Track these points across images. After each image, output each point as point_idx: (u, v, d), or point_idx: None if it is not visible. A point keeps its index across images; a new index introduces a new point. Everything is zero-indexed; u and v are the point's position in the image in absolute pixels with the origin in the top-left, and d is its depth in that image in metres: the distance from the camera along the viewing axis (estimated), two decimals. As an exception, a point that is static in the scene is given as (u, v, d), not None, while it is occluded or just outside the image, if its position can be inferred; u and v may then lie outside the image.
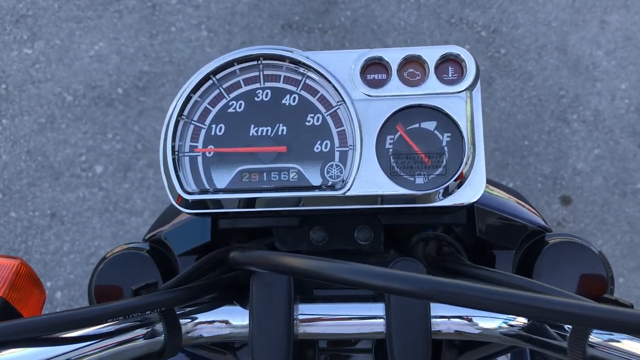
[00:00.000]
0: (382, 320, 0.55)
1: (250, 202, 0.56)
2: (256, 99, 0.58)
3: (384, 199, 0.55)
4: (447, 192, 0.55)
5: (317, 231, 0.63)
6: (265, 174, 0.57)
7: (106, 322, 0.50)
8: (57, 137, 2.19)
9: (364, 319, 0.55)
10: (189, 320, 0.55)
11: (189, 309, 0.56)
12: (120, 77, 2.32)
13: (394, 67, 0.55)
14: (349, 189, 0.54)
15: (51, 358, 0.47)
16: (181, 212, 0.73)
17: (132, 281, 0.65)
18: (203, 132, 0.58)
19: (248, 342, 0.54)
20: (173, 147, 0.56)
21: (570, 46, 2.55)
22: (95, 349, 0.50)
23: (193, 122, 0.58)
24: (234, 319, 0.56)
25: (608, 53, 2.54)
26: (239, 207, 0.56)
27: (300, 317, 0.54)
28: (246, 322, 0.55)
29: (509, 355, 0.76)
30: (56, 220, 2.05)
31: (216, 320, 0.55)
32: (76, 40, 2.38)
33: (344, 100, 0.55)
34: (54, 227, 2.05)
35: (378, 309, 0.55)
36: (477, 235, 0.62)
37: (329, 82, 0.56)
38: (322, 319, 0.55)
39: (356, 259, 0.63)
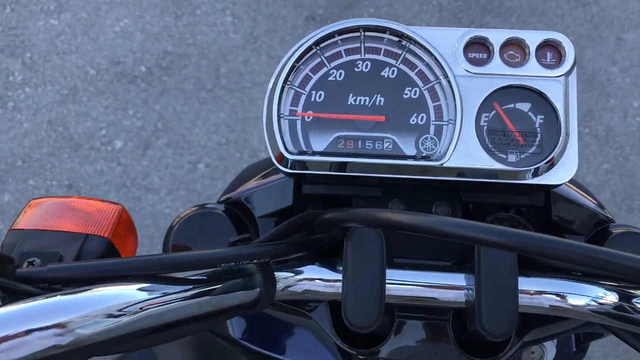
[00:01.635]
0: (464, 290, 0.57)
1: (342, 166, 0.58)
2: (356, 69, 0.60)
3: (477, 172, 0.57)
4: (537, 172, 0.57)
5: (396, 203, 0.65)
6: (360, 141, 0.59)
7: (218, 266, 0.51)
8: (79, 109, 2.19)
9: (450, 288, 0.57)
10: (284, 274, 0.57)
11: (281, 265, 0.58)
12: (144, 55, 2.33)
13: (497, 48, 0.58)
14: (447, 161, 0.56)
15: (163, 296, 0.49)
16: (260, 174, 0.75)
17: (210, 241, 0.67)
18: (303, 97, 0.60)
19: (341, 301, 0.56)
20: (278, 110, 0.58)
21: (586, 60, 2.59)
22: (199, 293, 0.52)
23: (294, 87, 0.60)
24: (325, 278, 0.58)
25: (623, 70, 2.59)
26: (330, 171, 0.58)
27: (389, 281, 0.56)
28: (336, 282, 0.57)
29: (554, 341, 0.79)
30: (73, 191, 2.06)
31: (308, 279, 0.57)
32: (102, 15, 2.38)
33: (446, 75, 0.58)
34: (70, 198, 2.05)
35: (465, 279, 0.57)
36: (552, 218, 0.65)
37: (432, 56, 0.58)
38: (410, 284, 0.58)
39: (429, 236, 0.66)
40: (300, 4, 2.56)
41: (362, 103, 0.59)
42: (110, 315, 0.46)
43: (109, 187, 2.08)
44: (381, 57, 0.60)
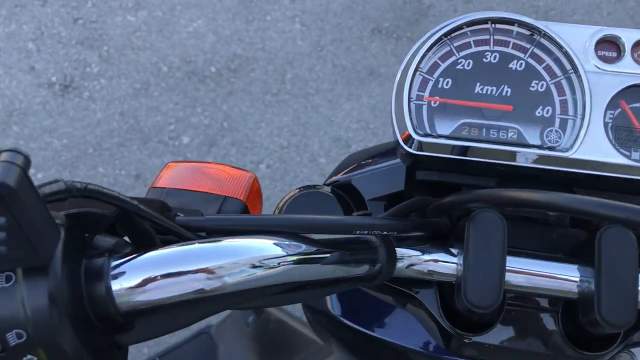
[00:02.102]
0: (577, 282, 0.58)
1: (464, 151, 0.60)
2: (484, 60, 0.62)
3: (601, 166, 0.58)
4: None
5: None
6: (484, 129, 0.61)
7: (354, 233, 0.54)
8: (150, 103, 2.26)
9: (565, 279, 0.58)
10: (407, 252, 0.59)
11: (398, 242, 0.60)
12: (214, 57, 2.39)
13: (628, 47, 0.59)
14: (573, 152, 0.58)
15: (301, 255, 0.51)
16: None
17: None
18: (430, 83, 0.62)
19: (456, 282, 0.57)
20: (409, 93, 0.61)
21: None
22: (331, 258, 0.54)
23: (422, 73, 0.62)
24: (442, 259, 0.59)
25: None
26: (451, 154, 0.60)
27: (507, 267, 0.57)
28: (451, 264, 0.59)
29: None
30: (140, 181, 2.12)
31: (433, 259, 0.59)
32: (177, 14, 2.46)
33: (576, 70, 0.59)
34: (137, 188, 2.11)
35: (579, 270, 0.58)
36: None
37: (562, 51, 0.60)
38: (525, 272, 0.59)
39: (539, 229, 0.67)
40: (367, 16, 2.60)
41: (488, 92, 0.61)
42: (253, 266, 0.48)
43: (174, 180, 2.14)
44: (509, 50, 0.62)
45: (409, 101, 0.61)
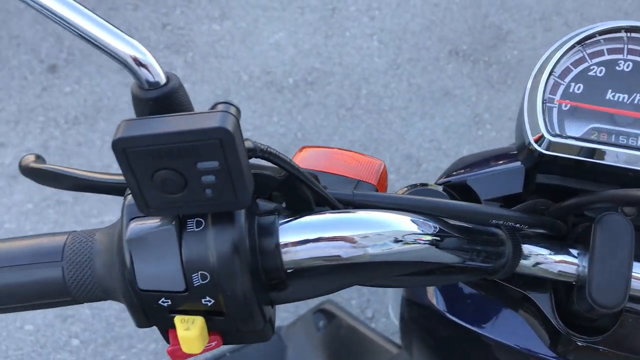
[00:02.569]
0: None
1: (592, 153, 0.61)
2: (617, 68, 0.63)
3: None
4: None
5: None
6: (614, 135, 0.62)
7: (490, 222, 0.55)
8: (229, 109, 2.34)
9: None
10: (535, 249, 0.60)
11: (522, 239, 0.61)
12: (293, 69, 2.45)
13: None
14: None
15: (437, 236, 0.53)
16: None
17: None
18: (562, 87, 0.63)
19: (584, 282, 0.58)
20: (543, 95, 0.62)
21: None
22: (462, 245, 0.56)
23: (555, 77, 0.64)
24: (564, 260, 0.60)
25: None
26: (579, 155, 0.61)
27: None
28: (571, 264, 0.60)
29: None
30: (215, 183, 2.19)
31: (553, 259, 0.60)
32: (260, 26, 2.54)
33: None
34: (212, 190, 2.18)
35: None
36: None
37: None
38: None
39: None
40: (445, 38, 2.62)
41: (620, 100, 0.62)
42: (396, 240, 0.50)
43: (248, 185, 2.19)
44: None
45: (543, 103, 0.63)
